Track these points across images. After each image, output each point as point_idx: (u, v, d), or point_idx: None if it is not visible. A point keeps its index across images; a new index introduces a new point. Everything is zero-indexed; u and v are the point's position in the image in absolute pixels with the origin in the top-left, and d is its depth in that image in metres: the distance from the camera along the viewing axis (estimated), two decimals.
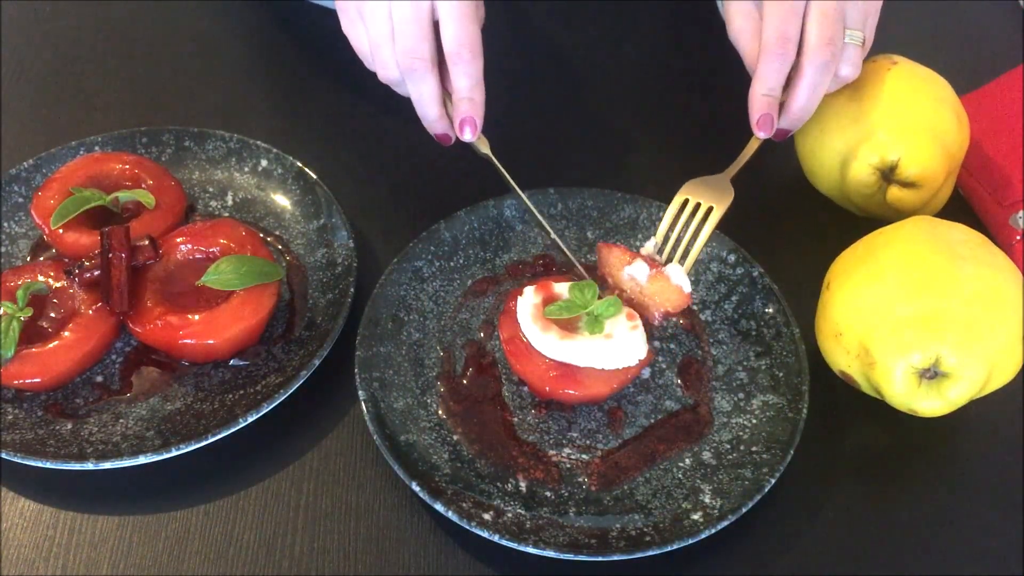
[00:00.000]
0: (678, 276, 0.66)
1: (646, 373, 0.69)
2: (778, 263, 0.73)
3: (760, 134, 0.69)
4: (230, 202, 0.77)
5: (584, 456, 0.64)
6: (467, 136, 0.69)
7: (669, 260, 0.69)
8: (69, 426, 0.64)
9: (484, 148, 0.72)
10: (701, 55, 0.93)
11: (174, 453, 0.62)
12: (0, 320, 0.64)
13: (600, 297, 0.65)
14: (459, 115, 0.69)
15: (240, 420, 0.63)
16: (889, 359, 0.61)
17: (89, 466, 0.61)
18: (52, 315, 0.67)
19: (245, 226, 0.70)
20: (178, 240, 0.69)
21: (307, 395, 0.66)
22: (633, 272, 0.67)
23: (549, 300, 0.66)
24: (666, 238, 0.70)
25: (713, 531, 0.59)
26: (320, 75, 0.88)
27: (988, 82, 0.83)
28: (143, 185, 0.73)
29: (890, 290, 0.62)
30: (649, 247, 0.70)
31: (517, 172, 0.73)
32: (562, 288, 0.66)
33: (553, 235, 0.74)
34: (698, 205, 0.70)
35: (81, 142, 0.78)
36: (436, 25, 0.67)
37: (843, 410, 0.68)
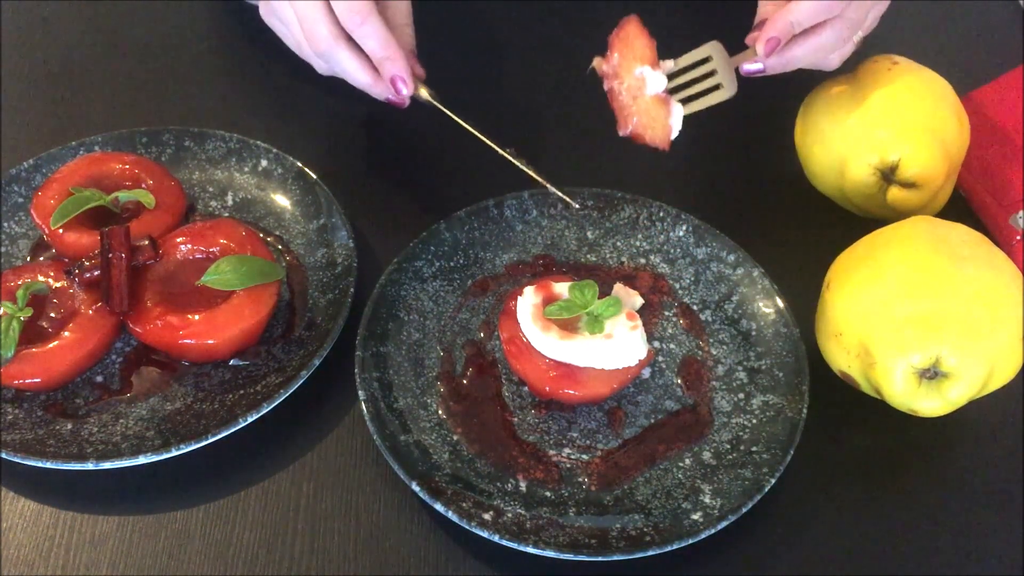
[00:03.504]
0: (677, 116, 0.64)
1: (646, 373, 0.69)
2: (778, 263, 0.73)
3: (761, 50, 0.66)
4: (230, 202, 0.77)
5: (584, 456, 0.64)
6: (403, 92, 0.71)
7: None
8: (69, 426, 0.64)
9: (425, 95, 0.73)
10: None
11: (174, 453, 0.62)
12: (0, 320, 0.64)
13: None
14: (386, 77, 0.70)
15: (240, 420, 0.63)
16: (889, 359, 0.61)
17: (89, 466, 0.61)
18: (52, 315, 0.67)
19: (245, 226, 0.70)
20: (178, 240, 0.69)
21: (307, 395, 0.66)
22: (648, 76, 0.63)
23: (549, 300, 0.66)
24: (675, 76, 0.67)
25: (713, 531, 0.59)
26: (320, 75, 0.88)
27: (988, 82, 0.83)
28: (143, 185, 0.73)
29: (890, 290, 0.62)
30: (668, 67, 0.66)
31: (518, 172, 0.73)
32: (562, 288, 0.66)
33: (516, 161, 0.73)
34: (713, 72, 0.68)
35: (81, 142, 0.78)
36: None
37: (843, 410, 0.68)
